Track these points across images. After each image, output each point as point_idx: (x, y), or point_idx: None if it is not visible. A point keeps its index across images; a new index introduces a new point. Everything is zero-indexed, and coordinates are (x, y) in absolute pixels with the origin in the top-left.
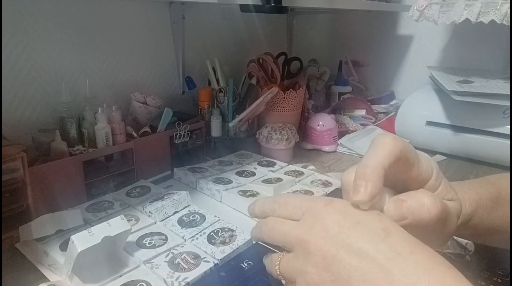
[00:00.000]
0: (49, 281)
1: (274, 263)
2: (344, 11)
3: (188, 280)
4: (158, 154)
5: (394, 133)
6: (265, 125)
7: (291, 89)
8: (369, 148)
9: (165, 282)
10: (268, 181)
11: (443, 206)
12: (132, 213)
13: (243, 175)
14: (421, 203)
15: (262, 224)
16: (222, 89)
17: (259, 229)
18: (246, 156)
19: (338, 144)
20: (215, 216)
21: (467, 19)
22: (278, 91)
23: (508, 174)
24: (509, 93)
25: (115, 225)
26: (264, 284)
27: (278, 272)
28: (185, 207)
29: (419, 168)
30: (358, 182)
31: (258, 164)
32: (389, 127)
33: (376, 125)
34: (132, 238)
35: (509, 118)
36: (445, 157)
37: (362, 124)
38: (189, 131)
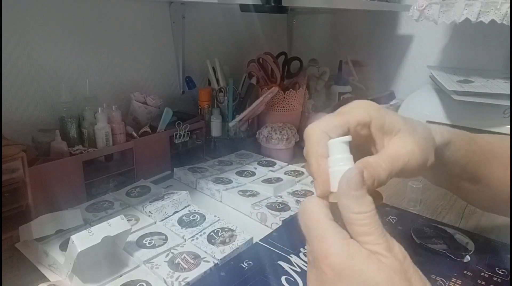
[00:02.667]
0: (49, 281)
1: None
2: (344, 11)
3: (188, 280)
4: (158, 154)
5: None
6: (265, 125)
7: (291, 89)
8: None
9: (165, 282)
10: (268, 181)
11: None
12: (132, 213)
13: (243, 175)
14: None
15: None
16: (222, 89)
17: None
18: (246, 156)
19: None
20: (215, 216)
21: (467, 19)
22: (278, 91)
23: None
24: (509, 93)
25: (115, 225)
26: (264, 284)
27: None
28: (185, 207)
29: (355, 117)
30: (315, 182)
31: (258, 164)
32: None
33: None
34: (132, 238)
35: (509, 118)
36: None
37: None
38: (189, 131)
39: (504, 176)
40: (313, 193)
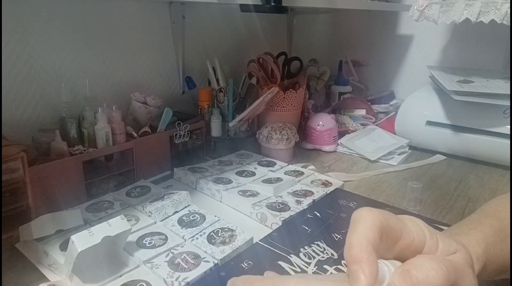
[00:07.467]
0: (49, 281)
1: None
2: (344, 11)
3: (188, 280)
4: (158, 154)
5: (394, 133)
6: (265, 125)
7: (291, 89)
8: (350, 226)
9: (165, 282)
10: (268, 181)
11: (447, 266)
12: (132, 213)
13: (243, 175)
14: (428, 268)
15: None
16: (222, 89)
17: None
18: (246, 156)
19: (338, 144)
20: (215, 216)
21: (467, 19)
22: (278, 91)
23: (503, 198)
24: (509, 93)
25: (115, 225)
26: None
27: None
28: (185, 207)
29: (409, 233)
30: (353, 267)
31: (258, 164)
32: (389, 127)
33: (376, 125)
34: (132, 238)
35: (509, 118)
36: (445, 157)
37: (362, 124)
38: (189, 131)
39: None
40: (312, 193)
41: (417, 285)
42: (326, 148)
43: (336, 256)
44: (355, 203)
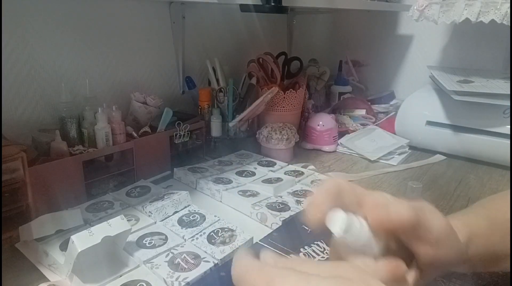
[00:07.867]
0: (49, 281)
1: None
2: (344, 11)
3: (188, 280)
4: (158, 154)
5: (394, 133)
6: (265, 125)
7: (291, 89)
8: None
9: (165, 282)
10: (268, 181)
11: (411, 204)
12: (132, 213)
13: (243, 175)
14: (393, 203)
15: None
16: (222, 89)
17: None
18: (246, 156)
19: (338, 144)
20: (215, 216)
21: (467, 19)
22: (278, 91)
23: (497, 195)
24: (509, 93)
25: (115, 225)
26: None
27: None
28: (185, 207)
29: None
30: (307, 208)
31: (258, 164)
32: (389, 127)
33: (376, 125)
34: (132, 238)
35: (509, 118)
36: (445, 157)
37: (362, 124)
38: (189, 131)
39: None
40: (312, 193)
41: (387, 215)
42: (326, 148)
43: None
44: None
